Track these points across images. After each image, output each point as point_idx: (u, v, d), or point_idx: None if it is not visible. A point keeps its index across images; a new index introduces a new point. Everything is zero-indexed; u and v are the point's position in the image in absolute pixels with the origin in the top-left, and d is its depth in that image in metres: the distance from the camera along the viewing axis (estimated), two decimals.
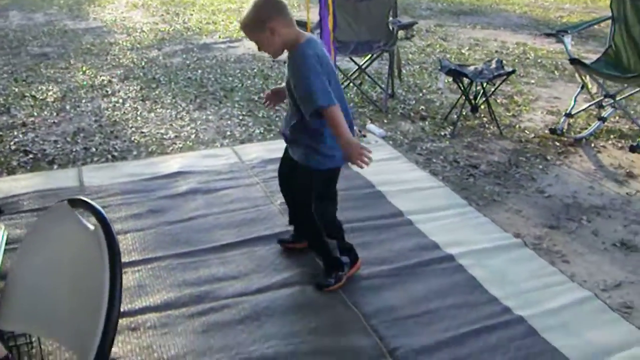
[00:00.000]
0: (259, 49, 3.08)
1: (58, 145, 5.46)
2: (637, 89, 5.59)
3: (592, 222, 4.11)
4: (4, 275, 2.20)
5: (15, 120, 6.08)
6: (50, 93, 6.93)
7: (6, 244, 2.94)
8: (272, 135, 5.59)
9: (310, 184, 3.29)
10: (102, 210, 1.73)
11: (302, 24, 6.03)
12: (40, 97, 6.78)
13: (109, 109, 6.34)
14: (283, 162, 3.52)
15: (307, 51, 2.99)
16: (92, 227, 1.76)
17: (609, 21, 5.88)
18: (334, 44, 5.34)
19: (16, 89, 7.09)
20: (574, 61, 5.49)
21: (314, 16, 5.38)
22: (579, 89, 5.71)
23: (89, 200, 1.81)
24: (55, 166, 5.07)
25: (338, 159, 3.14)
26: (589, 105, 5.74)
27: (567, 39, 5.66)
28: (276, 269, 3.54)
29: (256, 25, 2.98)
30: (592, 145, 5.32)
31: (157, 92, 6.88)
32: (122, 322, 3.13)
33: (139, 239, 3.86)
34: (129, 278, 3.47)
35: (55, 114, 6.26)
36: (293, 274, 3.50)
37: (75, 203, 1.88)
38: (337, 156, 3.11)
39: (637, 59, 5.65)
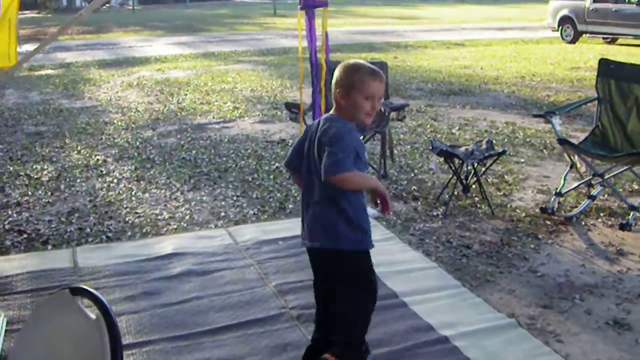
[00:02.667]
0: (377, 108, 3.16)
1: (52, 225, 5.48)
2: (625, 168, 5.69)
3: (585, 300, 4.13)
4: (4, 358, 2.21)
5: (9, 200, 6.12)
6: (45, 172, 6.99)
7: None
8: (266, 216, 5.63)
9: None
10: (105, 301, 1.75)
11: (295, 106, 6.16)
12: (35, 176, 6.83)
13: (104, 189, 6.39)
14: None
15: None
16: (93, 317, 1.78)
17: (595, 101, 6.04)
18: None
19: (11, 168, 7.16)
20: (563, 141, 5.60)
21: (306, 98, 5.50)
22: (568, 168, 5.80)
23: (92, 290, 1.83)
24: (49, 246, 5.09)
25: None
26: (579, 184, 5.82)
27: (556, 120, 5.78)
28: (271, 352, 3.53)
29: None
30: (583, 223, 5.38)
31: (151, 172, 6.95)
32: None
33: (134, 322, 3.86)
34: None
35: (49, 193, 6.30)
36: (290, 357, 3.48)
37: (77, 291, 1.90)
38: None
39: (624, 139, 5.77)
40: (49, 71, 15.19)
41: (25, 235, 5.29)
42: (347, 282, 3.24)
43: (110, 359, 1.63)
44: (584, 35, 19.81)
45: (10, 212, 5.79)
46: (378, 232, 5.14)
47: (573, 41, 19.77)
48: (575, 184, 5.86)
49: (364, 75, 3.09)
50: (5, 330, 2.33)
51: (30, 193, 6.31)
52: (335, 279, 3.29)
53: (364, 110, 3.10)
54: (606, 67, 5.99)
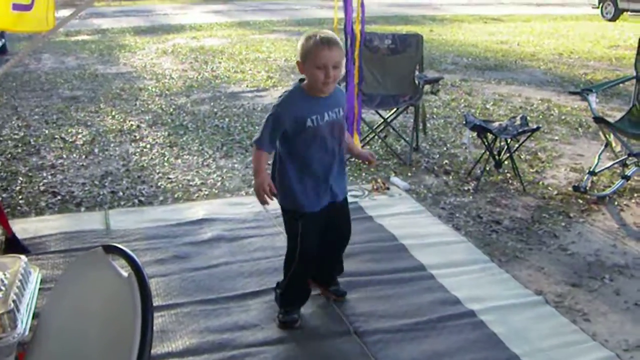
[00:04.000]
0: (335, 76, 3.20)
1: (86, 188, 5.56)
2: None
3: (614, 281, 4.10)
4: (38, 314, 2.26)
5: (44, 162, 6.20)
6: (79, 136, 7.07)
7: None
8: None
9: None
10: (137, 259, 1.78)
11: None
12: (70, 140, 6.91)
13: (137, 154, 6.45)
14: (316, 224, 3.47)
15: None
16: (125, 275, 1.81)
17: (634, 80, 5.94)
18: (359, 97, 5.41)
19: (46, 131, 7.24)
20: (599, 120, 5.52)
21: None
22: (602, 147, 5.73)
23: (124, 248, 1.86)
24: (83, 209, 5.16)
25: None
26: (613, 164, 5.75)
27: (592, 98, 5.70)
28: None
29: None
30: (616, 203, 5.32)
31: (184, 138, 6.99)
32: None
33: (163, 285, 3.91)
34: None
35: (84, 156, 6.38)
36: (315, 325, 3.52)
37: (110, 250, 1.93)
38: None
39: None
40: (85, 37, 15.29)
41: (59, 197, 5.37)
42: None
43: (141, 317, 1.66)
44: (624, 13, 19.44)
45: (45, 174, 5.88)
46: (408, 204, 5.16)
47: (613, 19, 19.42)
48: (610, 164, 5.79)
49: (314, 45, 3.13)
50: (39, 288, 2.38)
51: (64, 156, 6.39)
52: None
53: (319, 80, 3.16)
54: None
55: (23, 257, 2.27)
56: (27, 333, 1.97)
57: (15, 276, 2.12)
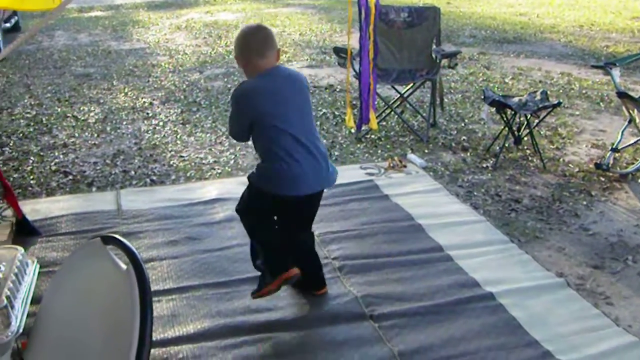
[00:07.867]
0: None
1: (97, 168, 5.49)
2: None
3: (638, 262, 3.98)
4: (39, 299, 2.19)
5: (56, 141, 6.14)
6: (92, 114, 7.00)
7: (42, 267, 2.93)
8: None
9: None
10: (136, 251, 1.69)
11: (343, 51, 6.02)
12: (82, 118, 6.84)
13: (149, 132, 6.37)
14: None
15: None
16: (124, 267, 1.73)
17: None
18: (374, 72, 5.29)
19: (59, 109, 7.18)
20: (622, 94, 5.37)
21: (355, 42, 5.34)
22: (626, 123, 5.57)
23: (123, 240, 1.77)
24: (94, 189, 5.10)
25: None
26: (637, 140, 5.60)
27: (615, 72, 5.54)
28: (312, 302, 3.48)
29: None
30: (639, 181, 5.18)
31: (197, 115, 6.90)
32: (155, 352, 3.09)
33: (175, 267, 3.84)
34: (162, 307, 3.43)
35: (96, 135, 6.31)
36: (330, 308, 3.44)
37: (108, 240, 1.84)
38: None
39: None
40: (98, 13, 15.19)
41: (70, 177, 5.31)
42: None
43: (140, 310, 1.58)
44: None
45: (57, 154, 5.81)
46: (425, 182, 5.05)
47: None
48: (633, 140, 5.63)
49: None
50: (39, 273, 2.30)
51: (77, 135, 6.32)
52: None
53: None
54: None
55: (20, 248, 2.19)
56: (21, 330, 1.89)
57: (11, 269, 2.04)
